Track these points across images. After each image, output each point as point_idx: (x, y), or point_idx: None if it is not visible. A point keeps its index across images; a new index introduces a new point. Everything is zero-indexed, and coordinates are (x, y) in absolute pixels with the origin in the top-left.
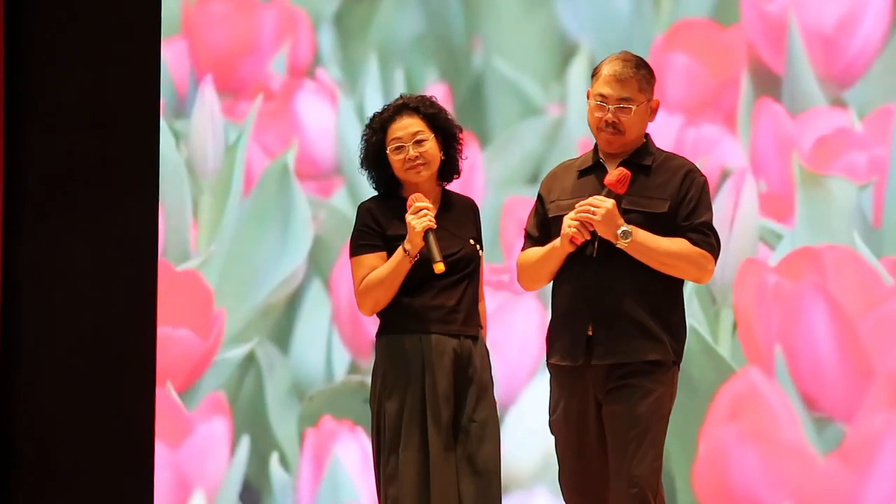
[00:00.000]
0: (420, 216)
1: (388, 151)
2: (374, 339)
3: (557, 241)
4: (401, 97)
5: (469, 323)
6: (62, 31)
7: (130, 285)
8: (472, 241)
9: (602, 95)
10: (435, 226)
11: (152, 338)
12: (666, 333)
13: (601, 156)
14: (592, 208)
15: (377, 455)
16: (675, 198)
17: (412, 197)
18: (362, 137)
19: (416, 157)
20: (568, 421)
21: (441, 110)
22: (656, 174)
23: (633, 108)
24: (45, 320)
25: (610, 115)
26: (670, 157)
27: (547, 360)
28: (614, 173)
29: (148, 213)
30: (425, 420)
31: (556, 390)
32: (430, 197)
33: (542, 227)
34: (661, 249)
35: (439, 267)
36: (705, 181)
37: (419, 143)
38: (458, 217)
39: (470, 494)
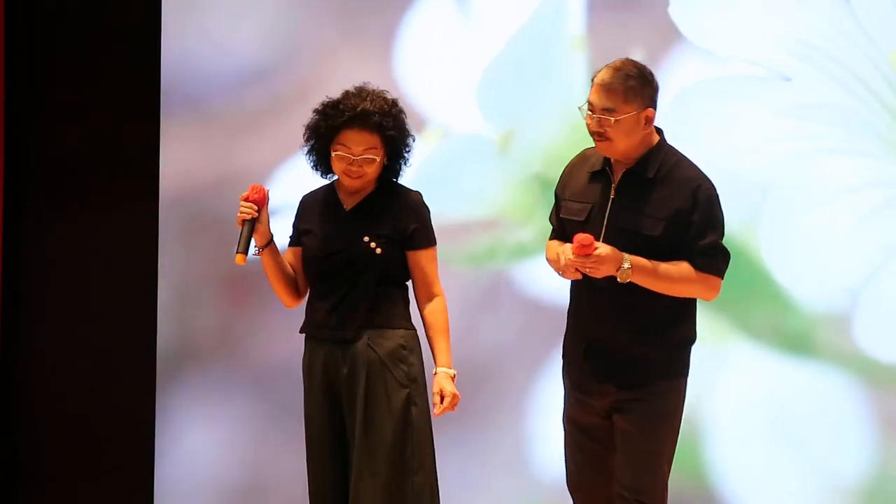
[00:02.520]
0: (244, 206)
1: (332, 148)
2: None
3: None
4: (364, 96)
5: (344, 326)
6: (62, 31)
7: (130, 285)
8: (366, 239)
9: (590, 103)
10: (251, 217)
11: (153, 337)
12: (664, 350)
13: (610, 161)
14: (588, 268)
15: None
16: (675, 219)
17: (251, 186)
18: (315, 117)
19: (359, 169)
20: (575, 418)
21: (400, 127)
22: (660, 187)
23: (614, 119)
24: (46, 320)
25: (594, 123)
26: (679, 164)
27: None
28: (579, 239)
29: (148, 214)
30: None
31: (567, 386)
32: (361, 192)
33: (558, 221)
34: (662, 277)
35: (238, 258)
36: (713, 195)
37: (367, 160)
38: (377, 214)
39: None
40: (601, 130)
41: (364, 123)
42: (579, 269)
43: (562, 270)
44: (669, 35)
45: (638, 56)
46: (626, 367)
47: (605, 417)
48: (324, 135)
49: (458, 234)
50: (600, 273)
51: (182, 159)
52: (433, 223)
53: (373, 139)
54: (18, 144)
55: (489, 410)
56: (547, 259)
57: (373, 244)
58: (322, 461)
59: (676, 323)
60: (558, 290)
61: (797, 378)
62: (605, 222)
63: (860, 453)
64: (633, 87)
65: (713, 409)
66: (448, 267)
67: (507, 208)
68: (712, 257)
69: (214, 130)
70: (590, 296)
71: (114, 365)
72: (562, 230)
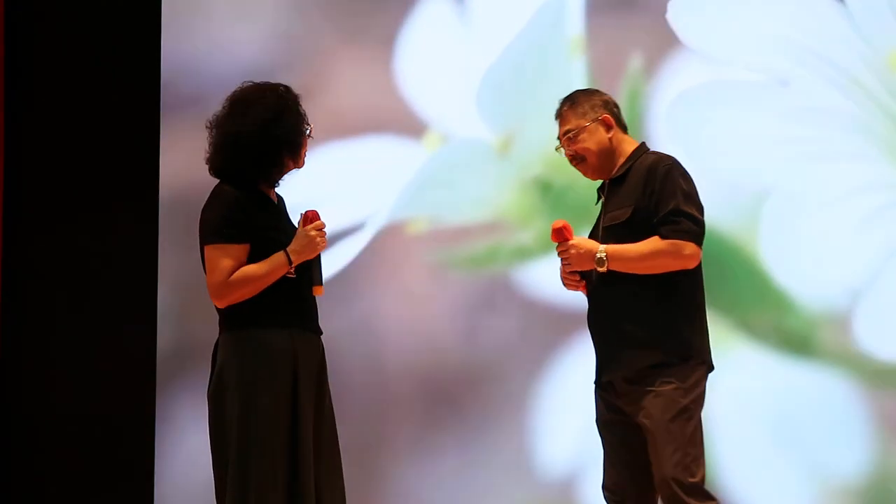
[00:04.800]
0: (322, 235)
1: (304, 135)
2: (222, 332)
3: None
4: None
5: (317, 319)
6: (62, 31)
7: (130, 285)
8: None
9: (558, 139)
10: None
11: (153, 337)
12: (660, 337)
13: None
14: (567, 259)
15: (228, 453)
16: (639, 199)
17: (311, 212)
18: (290, 110)
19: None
20: (599, 422)
21: None
22: (628, 181)
23: (571, 136)
24: (46, 320)
25: (566, 151)
26: (646, 156)
27: None
28: (552, 225)
29: (148, 214)
30: (293, 419)
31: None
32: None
33: None
34: (633, 256)
35: (320, 290)
36: (671, 168)
37: None
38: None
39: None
40: (573, 153)
41: None
42: (561, 257)
43: (563, 281)
44: (667, 40)
45: (636, 60)
46: (625, 360)
47: (622, 414)
48: (298, 121)
49: (459, 238)
50: (578, 264)
51: (182, 159)
52: (433, 225)
53: None
54: (18, 144)
55: (489, 414)
56: None
57: None
58: (310, 449)
59: (672, 308)
60: (558, 294)
61: (797, 378)
62: (599, 230)
63: (860, 453)
64: (577, 103)
65: (714, 409)
66: (448, 270)
67: (507, 211)
68: (675, 223)
69: None
70: (590, 297)
71: (114, 365)
72: None
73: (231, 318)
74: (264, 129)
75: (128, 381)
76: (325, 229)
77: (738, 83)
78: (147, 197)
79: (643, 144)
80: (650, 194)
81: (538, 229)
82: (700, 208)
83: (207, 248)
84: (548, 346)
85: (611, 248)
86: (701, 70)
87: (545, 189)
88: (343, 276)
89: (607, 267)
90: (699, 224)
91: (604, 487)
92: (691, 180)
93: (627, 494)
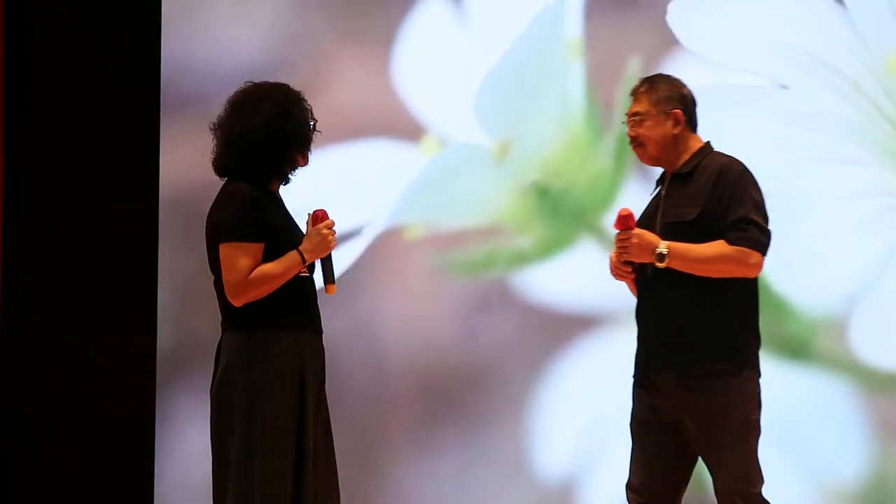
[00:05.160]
0: (333, 234)
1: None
2: (228, 331)
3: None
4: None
5: (321, 320)
6: (62, 31)
7: (130, 285)
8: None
9: (626, 114)
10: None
11: (153, 337)
12: (717, 343)
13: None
14: (626, 248)
15: (230, 453)
16: (707, 200)
17: (320, 211)
18: (286, 107)
19: None
20: (635, 420)
21: None
22: (695, 180)
23: (638, 119)
24: (46, 320)
25: (628, 129)
26: (714, 158)
27: None
28: (618, 212)
29: (148, 214)
30: (300, 422)
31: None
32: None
33: None
34: (697, 258)
35: (333, 289)
36: (743, 173)
37: None
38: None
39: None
40: (633, 135)
41: None
42: (618, 246)
43: (612, 269)
44: (666, 42)
45: (635, 63)
46: (674, 361)
47: (660, 415)
48: (308, 114)
49: (456, 243)
50: (636, 255)
51: (182, 159)
52: (430, 230)
53: None
54: (18, 144)
55: (489, 414)
56: None
57: None
58: (311, 452)
59: (730, 315)
60: (556, 299)
61: (794, 383)
62: (657, 223)
63: (857, 458)
64: (655, 89)
65: None
66: (446, 275)
67: (505, 217)
68: (744, 230)
69: None
70: (642, 291)
71: (114, 365)
72: None
73: (238, 317)
74: (274, 126)
75: (128, 381)
76: (334, 227)
77: (737, 87)
78: (147, 197)
79: (708, 144)
80: (719, 197)
81: (536, 235)
82: (767, 220)
83: (224, 247)
84: (545, 354)
85: (673, 246)
86: (699, 73)
87: (542, 194)
88: (341, 280)
89: (667, 263)
90: (766, 235)
91: (629, 487)
92: (761, 190)
93: (654, 495)
